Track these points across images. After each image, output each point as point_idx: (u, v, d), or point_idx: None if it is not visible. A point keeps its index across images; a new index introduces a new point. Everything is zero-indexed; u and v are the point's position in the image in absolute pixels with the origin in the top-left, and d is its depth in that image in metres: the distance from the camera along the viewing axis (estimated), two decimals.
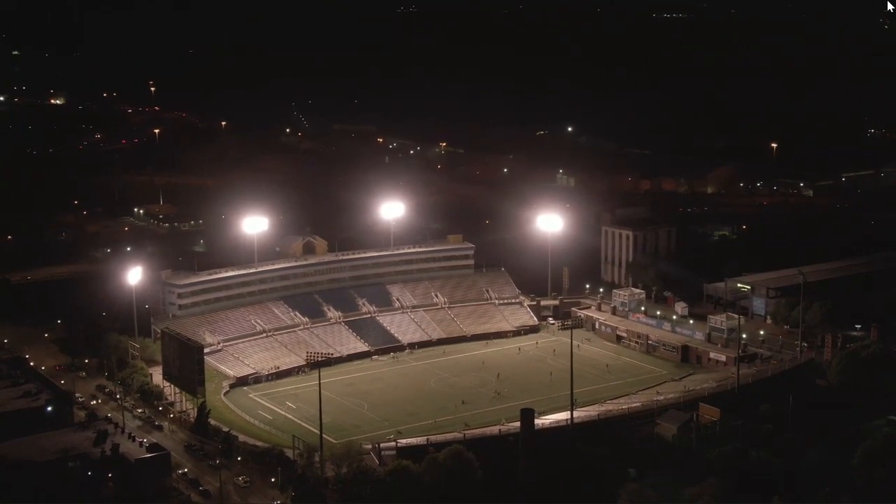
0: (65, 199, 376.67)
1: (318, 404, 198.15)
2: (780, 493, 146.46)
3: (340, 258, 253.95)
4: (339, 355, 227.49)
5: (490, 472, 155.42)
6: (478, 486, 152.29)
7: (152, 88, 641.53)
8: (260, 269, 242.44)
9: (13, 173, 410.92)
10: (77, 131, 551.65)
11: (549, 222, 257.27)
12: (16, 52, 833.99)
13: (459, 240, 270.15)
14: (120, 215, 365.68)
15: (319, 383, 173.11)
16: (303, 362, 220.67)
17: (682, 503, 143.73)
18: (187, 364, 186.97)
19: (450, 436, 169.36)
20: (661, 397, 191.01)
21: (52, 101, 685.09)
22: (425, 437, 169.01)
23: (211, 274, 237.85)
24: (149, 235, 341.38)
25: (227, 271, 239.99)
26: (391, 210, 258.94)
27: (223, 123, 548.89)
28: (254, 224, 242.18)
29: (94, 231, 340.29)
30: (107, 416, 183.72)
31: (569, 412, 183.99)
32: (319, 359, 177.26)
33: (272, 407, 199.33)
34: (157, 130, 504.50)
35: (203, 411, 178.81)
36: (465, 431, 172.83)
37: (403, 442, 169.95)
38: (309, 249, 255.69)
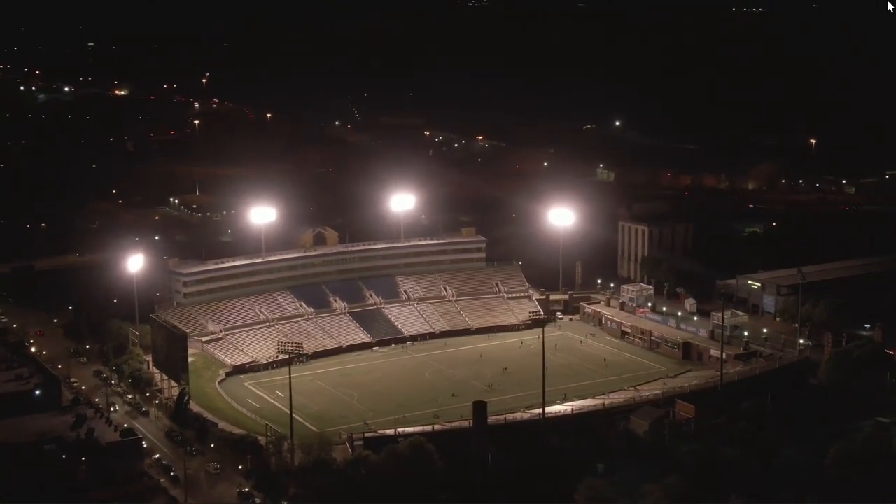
0: (104, 188, 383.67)
1: (309, 394, 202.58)
2: (735, 491, 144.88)
3: (349, 249, 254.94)
4: (338, 346, 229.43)
5: (454, 465, 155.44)
6: (438, 477, 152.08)
7: (203, 80, 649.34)
8: (267, 259, 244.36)
9: (57, 161, 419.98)
10: (133, 121, 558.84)
11: (561, 216, 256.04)
12: (91, 44, 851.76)
13: (472, 233, 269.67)
14: (155, 205, 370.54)
15: (290, 374, 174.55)
16: (302, 352, 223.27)
17: (635, 500, 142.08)
18: (173, 351, 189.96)
19: (419, 428, 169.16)
20: (647, 393, 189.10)
21: (117, 91, 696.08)
22: (393, 429, 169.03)
23: (217, 263, 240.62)
24: (180, 225, 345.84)
25: (233, 261, 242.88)
26: (401, 202, 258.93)
27: (268, 115, 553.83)
28: (261, 214, 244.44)
29: (127, 220, 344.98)
30: (89, 402, 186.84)
31: (560, 406, 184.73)
32: (291, 349, 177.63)
33: (263, 395, 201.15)
34: (196, 122, 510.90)
35: (182, 398, 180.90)
36: (436, 424, 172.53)
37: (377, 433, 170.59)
38: (320, 240, 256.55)
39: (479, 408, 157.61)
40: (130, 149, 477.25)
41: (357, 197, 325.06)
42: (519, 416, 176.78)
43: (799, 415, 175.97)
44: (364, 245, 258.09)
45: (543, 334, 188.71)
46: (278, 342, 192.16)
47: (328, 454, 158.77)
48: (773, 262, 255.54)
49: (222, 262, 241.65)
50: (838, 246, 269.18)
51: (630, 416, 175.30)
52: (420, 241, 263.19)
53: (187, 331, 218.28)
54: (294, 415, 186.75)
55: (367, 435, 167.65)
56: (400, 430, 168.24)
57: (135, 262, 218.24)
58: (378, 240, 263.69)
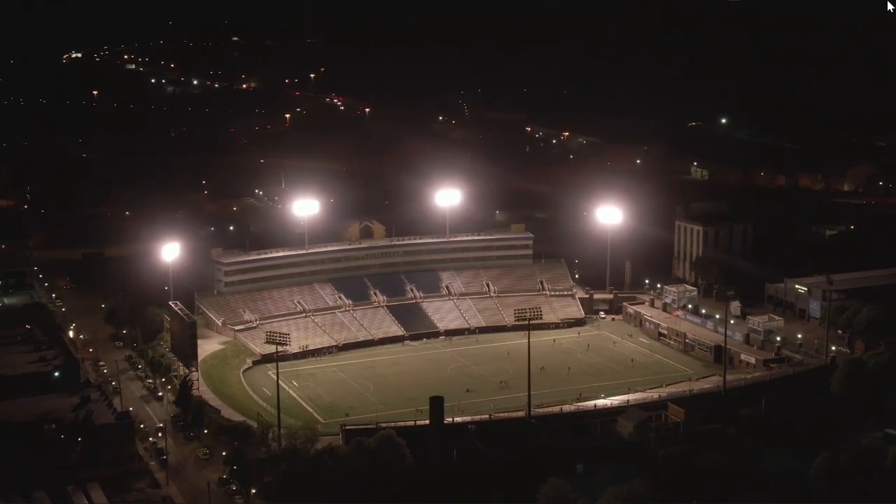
0: (198, 179, 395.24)
1: (328, 384, 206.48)
2: (711, 496, 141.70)
3: (393, 243, 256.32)
4: (370, 338, 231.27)
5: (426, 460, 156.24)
6: (405, 471, 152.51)
7: (312, 76, 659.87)
8: (308, 251, 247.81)
9: (155, 152, 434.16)
10: (248, 114, 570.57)
11: (609, 215, 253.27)
12: (235, 38, 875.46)
13: (521, 229, 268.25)
14: (242, 196, 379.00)
15: (277, 368, 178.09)
16: (333, 342, 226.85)
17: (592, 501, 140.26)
18: (184, 338, 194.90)
19: (402, 422, 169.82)
20: (656, 396, 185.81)
21: (243, 85, 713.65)
22: (375, 422, 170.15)
23: (259, 254, 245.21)
24: (259, 216, 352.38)
25: (274, 252, 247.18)
26: (447, 197, 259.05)
27: (367, 110, 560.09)
28: (304, 207, 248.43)
29: (210, 210, 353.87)
30: (98, 385, 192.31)
31: (567, 405, 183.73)
32: (277, 341, 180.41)
33: (282, 384, 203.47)
34: (287, 115, 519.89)
35: (186, 385, 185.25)
36: (418, 419, 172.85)
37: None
38: (367, 233, 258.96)
39: (436, 404, 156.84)
40: (233, 141, 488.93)
41: (422, 192, 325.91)
42: (504, 414, 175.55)
43: (802, 422, 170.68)
44: (408, 239, 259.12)
45: (529, 336, 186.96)
46: (267, 332, 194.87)
47: (311, 444, 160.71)
48: (838, 265, 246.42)
49: (264, 253, 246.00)
50: None
51: (617, 417, 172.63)
52: (465, 236, 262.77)
53: (221, 319, 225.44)
54: (305, 404, 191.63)
55: (347, 427, 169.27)
56: (383, 423, 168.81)
57: (170, 251, 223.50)
58: (427, 234, 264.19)
